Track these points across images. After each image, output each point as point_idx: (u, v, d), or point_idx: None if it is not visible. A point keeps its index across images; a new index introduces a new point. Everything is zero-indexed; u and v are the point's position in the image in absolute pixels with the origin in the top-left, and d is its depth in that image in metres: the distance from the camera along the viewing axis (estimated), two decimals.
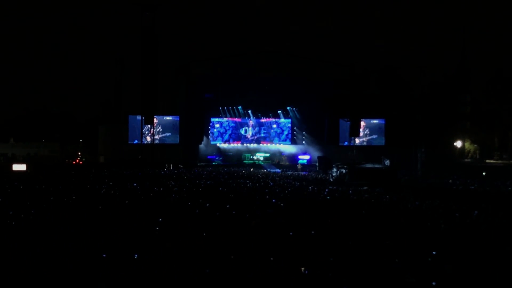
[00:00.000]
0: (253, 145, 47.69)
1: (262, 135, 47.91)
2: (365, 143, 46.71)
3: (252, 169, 37.09)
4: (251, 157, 46.26)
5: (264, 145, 47.80)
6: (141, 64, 30.04)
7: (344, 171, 27.16)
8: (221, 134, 47.46)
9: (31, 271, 7.30)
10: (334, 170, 28.93)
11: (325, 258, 8.06)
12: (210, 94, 45.15)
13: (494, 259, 8.31)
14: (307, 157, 45.10)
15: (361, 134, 45.01)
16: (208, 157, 45.76)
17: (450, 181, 27.05)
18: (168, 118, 44.19)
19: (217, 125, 47.34)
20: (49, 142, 62.42)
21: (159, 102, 31.73)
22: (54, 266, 7.53)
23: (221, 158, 46.03)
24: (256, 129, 47.87)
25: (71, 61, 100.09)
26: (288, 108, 47.41)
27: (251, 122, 47.66)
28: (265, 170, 37.12)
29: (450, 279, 7.15)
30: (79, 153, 52.28)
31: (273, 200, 15.82)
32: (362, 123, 45.12)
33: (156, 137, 41.91)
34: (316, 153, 43.61)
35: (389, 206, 15.25)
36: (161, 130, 43.90)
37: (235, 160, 45.66)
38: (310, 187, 21.36)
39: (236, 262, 7.85)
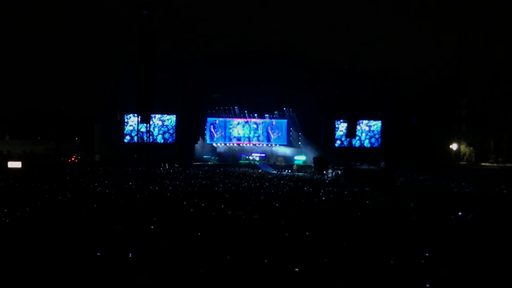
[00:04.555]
0: (249, 145, 47.65)
1: (258, 135, 47.87)
2: (357, 144, 46.74)
3: (247, 169, 37.09)
4: (247, 157, 46.22)
5: (260, 146, 47.77)
6: (138, 63, 29.93)
7: (339, 172, 27.21)
8: (217, 134, 47.39)
9: (26, 269, 7.28)
10: (330, 171, 28.98)
11: (319, 260, 8.06)
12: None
13: (488, 261, 8.32)
14: (303, 158, 45.11)
15: (357, 135, 45.04)
16: (204, 156, 45.72)
17: (445, 183, 27.08)
18: (165, 117, 44.16)
19: (213, 125, 47.28)
20: (45, 139, 62.32)
21: (155, 101, 31.58)
22: (49, 264, 7.51)
23: (216, 158, 46.00)
24: (252, 129, 47.83)
25: (68, 59, 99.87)
26: (284, 108, 47.40)
27: (248, 122, 47.61)
28: (260, 170, 37.12)
29: (444, 281, 7.16)
30: (74, 152, 52.21)
31: (272, 202, 15.81)
32: (359, 125, 45.16)
33: (152, 136, 41.85)
34: (312, 154, 43.62)
35: (384, 208, 15.27)
36: (157, 129, 43.86)
37: (230, 160, 45.62)
38: (305, 188, 21.36)
39: (231, 262, 7.84)
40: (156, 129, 43.85)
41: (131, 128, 42.53)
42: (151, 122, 42.67)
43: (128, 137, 42.86)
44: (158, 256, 8.02)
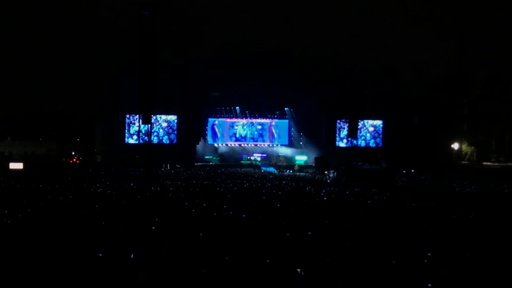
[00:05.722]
0: (250, 146, 47.66)
1: (257, 135, 47.83)
2: (362, 144, 46.66)
3: (249, 170, 37.11)
4: (248, 157, 46.22)
5: (261, 146, 47.76)
6: (139, 63, 29.96)
7: (341, 172, 27.21)
8: (218, 134, 47.40)
9: (28, 271, 7.28)
10: (332, 170, 29.01)
11: (322, 260, 8.06)
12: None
13: (489, 260, 8.31)
14: (304, 157, 45.11)
15: (358, 135, 44.98)
16: (205, 157, 45.74)
17: (447, 182, 27.06)
18: (166, 117, 44.18)
19: (214, 125, 47.27)
20: (46, 140, 62.32)
21: (157, 101, 31.60)
22: (51, 266, 7.52)
23: (218, 158, 46.00)
24: (254, 129, 47.82)
25: (69, 60, 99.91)
26: (285, 108, 47.38)
27: (248, 122, 47.60)
28: (262, 171, 37.13)
29: (446, 281, 7.16)
30: (73, 153, 52.21)
31: (273, 201, 15.80)
32: (360, 124, 45.11)
33: (154, 136, 41.93)
34: (313, 154, 43.62)
35: (385, 207, 15.26)
36: (158, 129, 43.89)
37: (232, 160, 45.62)
38: (307, 188, 21.36)
39: (232, 262, 7.84)
40: (161, 130, 43.99)
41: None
42: (157, 123, 43.11)
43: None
44: (160, 257, 8.02)
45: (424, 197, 17.87)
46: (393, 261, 7.99)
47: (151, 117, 31.59)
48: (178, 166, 38.41)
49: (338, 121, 45.90)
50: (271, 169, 38.95)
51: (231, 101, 46.64)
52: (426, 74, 53.43)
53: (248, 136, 47.67)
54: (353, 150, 43.39)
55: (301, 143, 47.45)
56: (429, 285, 6.88)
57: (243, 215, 12.31)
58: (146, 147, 32.16)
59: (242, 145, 47.59)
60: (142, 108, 30.52)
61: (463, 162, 51.73)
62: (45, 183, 20.78)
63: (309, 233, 10.11)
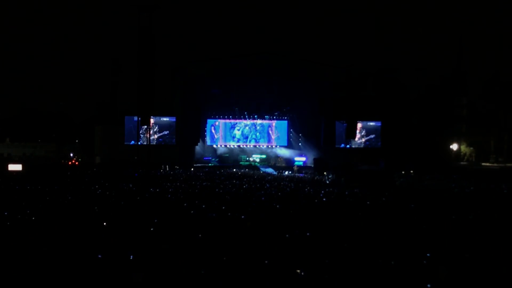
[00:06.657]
0: (249, 147, 47.64)
1: (258, 136, 47.83)
2: (361, 145, 46.64)
3: (248, 171, 37.10)
4: (247, 158, 46.22)
5: (260, 147, 47.75)
6: (138, 65, 29.98)
7: (340, 173, 27.24)
8: (217, 136, 47.38)
9: (27, 272, 7.28)
10: (330, 171, 29.06)
11: (320, 261, 8.06)
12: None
13: (489, 261, 8.32)
14: (303, 159, 45.10)
15: (357, 136, 44.95)
16: (204, 158, 45.71)
17: (446, 183, 27.04)
18: (165, 119, 44.17)
19: (213, 127, 47.27)
20: (45, 142, 62.29)
21: (155, 103, 31.62)
22: (51, 267, 7.52)
23: (217, 160, 45.99)
24: (252, 130, 47.81)
25: (68, 61, 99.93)
26: (284, 109, 47.38)
27: (247, 123, 47.59)
28: (261, 172, 37.12)
29: (444, 281, 7.16)
30: (71, 154, 52.23)
31: (273, 203, 15.80)
32: (359, 125, 45.09)
33: (153, 137, 41.95)
34: (312, 155, 43.61)
35: (384, 208, 15.26)
36: (157, 131, 43.87)
37: (231, 161, 45.61)
38: (306, 189, 21.36)
39: (231, 263, 7.84)
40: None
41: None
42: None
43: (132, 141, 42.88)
44: (159, 258, 8.02)
45: (422, 198, 17.87)
46: (392, 262, 8.00)
47: (149, 118, 31.59)
48: (177, 167, 38.40)
49: (337, 122, 45.86)
50: (270, 170, 38.95)
51: (230, 102, 46.61)
52: (425, 74, 53.52)
53: (247, 137, 47.61)
54: (352, 151, 43.38)
55: (300, 144, 47.44)
56: (428, 285, 6.89)
57: (242, 216, 12.32)
58: (145, 148, 32.15)
59: (241, 146, 47.57)
60: (141, 109, 30.52)
61: (462, 162, 51.76)
62: (44, 185, 20.76)
63: (308, 234, 10.11)
